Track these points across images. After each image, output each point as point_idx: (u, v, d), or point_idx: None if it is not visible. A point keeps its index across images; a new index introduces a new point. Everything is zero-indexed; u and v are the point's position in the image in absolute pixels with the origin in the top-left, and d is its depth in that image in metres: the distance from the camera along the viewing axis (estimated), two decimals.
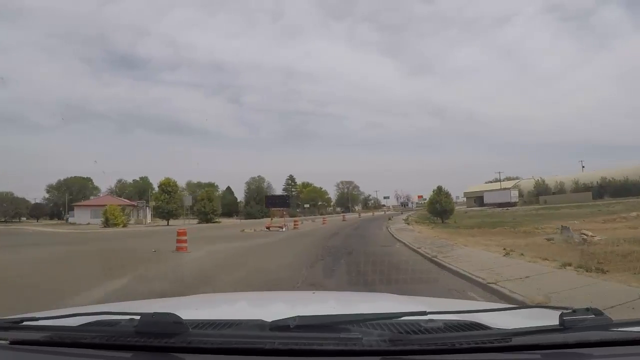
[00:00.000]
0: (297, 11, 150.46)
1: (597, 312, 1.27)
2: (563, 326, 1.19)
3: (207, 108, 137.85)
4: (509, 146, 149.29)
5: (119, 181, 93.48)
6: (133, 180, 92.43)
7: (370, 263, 10.13)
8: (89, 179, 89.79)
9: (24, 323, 1.38)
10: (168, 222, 49.69)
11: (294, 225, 32.40)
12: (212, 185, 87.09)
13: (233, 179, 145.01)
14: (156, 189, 57.37)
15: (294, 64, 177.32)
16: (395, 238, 18.43)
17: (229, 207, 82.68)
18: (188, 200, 43.18)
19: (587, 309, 1.28)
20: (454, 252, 11.56)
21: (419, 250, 12.80)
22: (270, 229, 29.16)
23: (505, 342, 1.15)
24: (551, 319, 1.25)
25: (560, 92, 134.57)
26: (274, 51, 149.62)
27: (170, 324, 1.22)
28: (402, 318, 1.34)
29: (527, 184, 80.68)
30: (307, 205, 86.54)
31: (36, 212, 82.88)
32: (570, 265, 8.32)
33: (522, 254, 10.29)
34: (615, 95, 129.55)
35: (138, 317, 1.28)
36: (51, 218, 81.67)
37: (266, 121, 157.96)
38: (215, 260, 12.05)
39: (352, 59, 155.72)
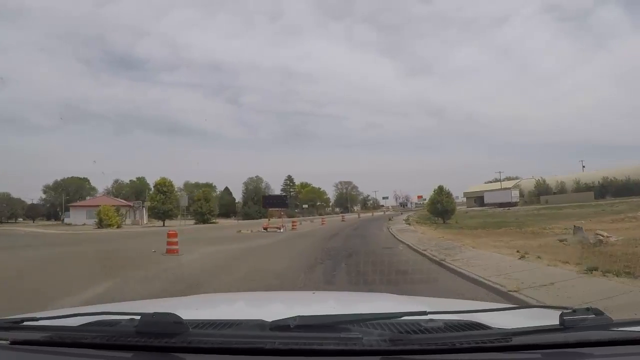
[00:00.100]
0: (296, 11, 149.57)
1: (598, 312, 1.26)
2: (563, 326, 1.18)
3: (206, 109, 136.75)
4: (508, 146, 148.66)
5: (116, 181, 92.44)
6: (130, 180, 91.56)
7: (373, 267, 9.53)
8: (85, 180, 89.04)
9: (25, 323, 1.38)
10: (164, 223, 48.74)
11: (292, 226, 31.59)
12: (209, 186, 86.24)
13: (232, 179, 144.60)
14: (153, 189, 56.41)
15: (293, 65, 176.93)
16: (398, 239, 17.63)
17: (227, 208, 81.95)
18: (184, 201, 42.10)
19: (588, 309, 1.27)
20: (463, 255, 10.76)
21: (425, 252, 11.99)
22: (268, 229, 28.31)
23: (506, 341, 1.14)
24: (551, 318, 1.24)
25: (560, 92, 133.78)
26: (273, 51, 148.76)
27: (170, 324, 1.21)
28: (403, 318, 1.32)
29: (528, 184, 79.97)
30: (305, 206, 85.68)
31: (32, 212, 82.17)
32: (596, 269, 7.53)
33: (539, 257, 9.50)
34: (615, 95, 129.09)
35: (138, 317, 1.26)
36: (48, 219, 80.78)
37: (265, 122, 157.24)
38: (206, 264, 11.22)
39: (351, 59, 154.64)
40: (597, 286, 6.42)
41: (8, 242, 21.32)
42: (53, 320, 1.43)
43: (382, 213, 76.53)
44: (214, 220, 54.02)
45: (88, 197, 75.95)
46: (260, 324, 1.26)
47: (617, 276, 6.96)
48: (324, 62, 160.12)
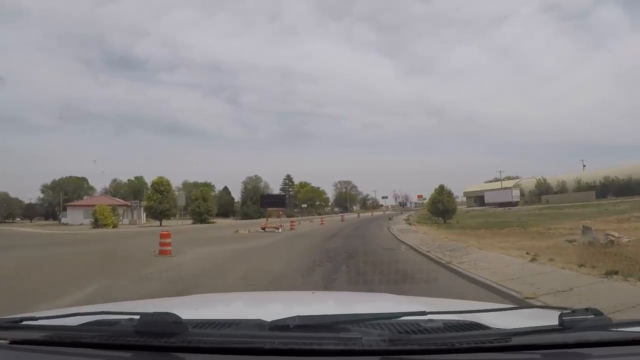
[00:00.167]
0: (295, 11, 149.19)
1: (597, 312, 1.25)
2: (562, 326, 1.17)
3: (206, 108, 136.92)
4: (508, 146, 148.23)
5: (114, 181, 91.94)
6: (128, 180, 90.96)
7: (375, 270, 9.02)
8: (84, 179, 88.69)
9: (24, 323, 1.38)
10: (161, 223, 48.14)
11: (291, 225, 31.02)
12: (208, 185, 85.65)
13: (232, 179, 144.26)
14: (150, 188, 55.68)
15: (293, 64, 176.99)
16: (399, 240, 17.09)
17: (226, 208, 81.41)
18: (181, 200, 41.52)
19: (587, 309, 1.26)
20: (470, 257, 10.21)
21: (429, 254, 11.44)
22: (266, 229, 27.74)
23: (505, 342, 1.14)
24: (551, 319, 1.23)
25: (560, 91, 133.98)
26: (272, 51, 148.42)
27: (169, 324, 1.21)
28: (402, 318, 1.32)
29: (528, 184, 79.42)
30: (304, 205, 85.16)
31: (29, 212, 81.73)
32: (616, 273, 6.98)
33: (551, 259, 8.94)
34: (615, 95, 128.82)
35: (138, 317, 1.26)
36: (46, 218, 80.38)
37: (264, 121, 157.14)
38: (199, 267, 10.66)
39: (350, 59, 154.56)
40: (621, 292, 5.87)
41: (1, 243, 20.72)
42: (52, 319, 1.42)
43: (382, 213, 75.96)
44: (212, 220, 53.40)
45: (85, 197, 75.26)
46: (259, 324, 1.25)
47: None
48: (323, 62, 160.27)
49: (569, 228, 20.20)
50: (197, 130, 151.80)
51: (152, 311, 1.29)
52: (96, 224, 40.62)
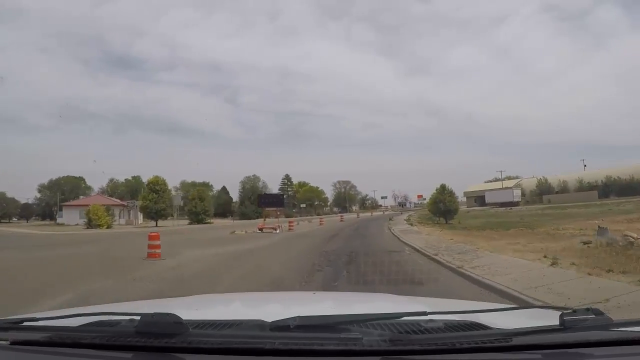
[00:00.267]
0: (294, 11, 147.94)
1: (598, 312, 1.24)
2: (563, 326, 1.17)
3: (205, 108, 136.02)
4: (508, 146, 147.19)
5: (111, 180, 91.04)
6: (125, 179, 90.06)
7: (379, 275, 8.25)
8: (81, 179, 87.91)
9: (24, 323, 1.38)
10: (157, 223, 47.21)
11: (289, 226, 30.15)
12: (206, 185, 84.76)
13: (231, 179, 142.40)
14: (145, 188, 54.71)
15: (292, 64, 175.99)
16: (402, 241, 16.27)
17: (224, 208, 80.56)
18: (177, 200, 40.45)
19: (588, 309, 1.25)
20: (482, 261, 9.40)
21: (437, 257, 10.62)
22: (263, 230, 26.92)
23: (506, 342, 1.13)
24: (551, 319, 1.23)
25: (560, 91, 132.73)
26: (272, 51, 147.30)
27: (170, 324, 1.20)
28: (403, 318, 1.32)
29: (529, 183, 78.64)
30: (303, 205, 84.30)
31: (26, 212, 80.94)
32: None
33: (573, 264, 8.14)
34: (615, 95, 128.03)
35: (138, 318, 1.26)
36: (43, 218, 79.62)
37: (263, 121, 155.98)
38: (188, 272, 9.84)
39: (349, 59, 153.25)
40: None
41: None
42: (53, 320, 1.41)
43: (381, 213, 75.15)
44: (209, 221, 52.46)
45: (82, 197, 74.34)
46: (260, 324, 1.25)
47: None
48: (323, 62, 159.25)
49: (578, 228, 19.45)
50: (196, 130, 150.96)
51: (152, 312, 1.28)
52: (90, 224, 39.67)
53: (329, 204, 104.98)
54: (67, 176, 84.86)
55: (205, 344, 1.16)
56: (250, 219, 55.71)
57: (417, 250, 12.82)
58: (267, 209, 33.30)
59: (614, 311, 5.01)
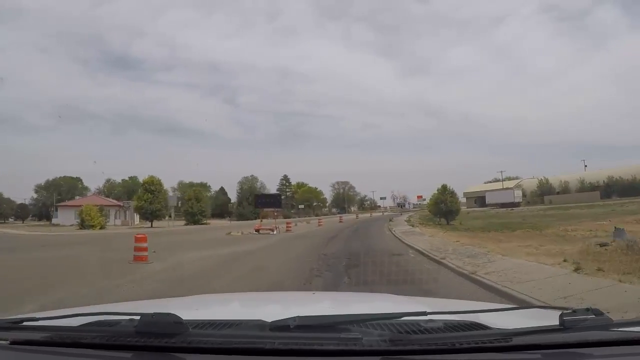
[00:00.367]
0: (293, 11, 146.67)
1: (598, 312, 1.24)
2: (563, 326, 1.16)
3: (203, 109, 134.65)
4: (507, 146, 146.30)
5: (108, 181, 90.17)
6: (122, 180, 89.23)
7: (383, 281, 7.54)
8: (78, 179, 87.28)
9: (24, 323, 1.37)
10: (152, 224, 46.30)
11: (287, 227, 29.28)
12: (203, 186, 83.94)
13: (229, 179, 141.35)
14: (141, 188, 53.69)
15: (291, 65, 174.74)
16: (405, 243, 15.47)
17: (222, 208, 79.79)
18: (173, 200, 39.59)
19: (587, 309, 1.24)
20: (496, 265, 8.60)
21: (444, 262, 9.82)
22: (260, 231, 26.04)
23: (506, 342, 1.13)
24: (551, 319, 1.22)
25: (560, 91, 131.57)
26: (270, 51, 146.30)
27: (170, 324, 1.20)
28: (402, 318, 1.31)
29: (530, 184, 77.89)
30: (301, 206, 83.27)
31: (22, 213, 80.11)
32: None
33: (599, 269, 7.34)
34: (615, 95, 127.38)
35: (138, 317, 1.25)
36: (39, 219, 78.72)
37: (262, 122, 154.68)
38: (173, 277, 9.04)
39: (348, 60, 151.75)
40: None
41: None
42: (53, 320, 1.41)
43: (381, 214, 74.35)
44: (206, 221, 51.60)
45: (77, 197, 73.46)
46: (260, 324, 1.25)
47: None
48: (321, 62, 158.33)
49: (587, 230, 18.72)
50: (195, 130, 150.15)
51: (152, 311, 1.27)
52: (82, 225, 38.74)
53: (327, 204, 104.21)
54: (64, 176, 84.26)
55: (205, 343, 1.16)
56: (248, 220, 54.88)
57: (422, 253, 12.01)
58: (265, 209, 32.48)
59: None
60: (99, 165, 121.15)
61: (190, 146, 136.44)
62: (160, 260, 11.46)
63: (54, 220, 59.31)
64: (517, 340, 1.12)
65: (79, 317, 1.38)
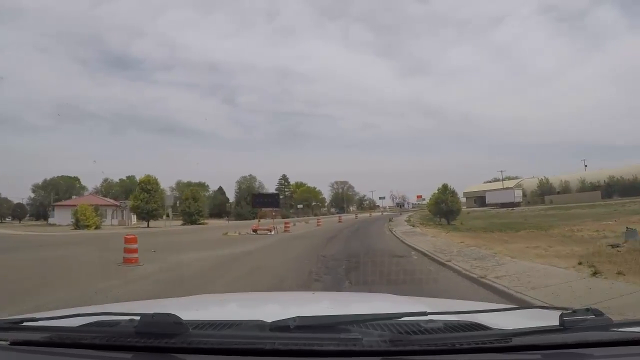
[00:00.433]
0: (292, 11, 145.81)
1: (597, 313, 1.23)
2: (563, 326, 1.16)
3: (203, 108, 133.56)
4: (507, 146, 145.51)
5: (105, 180, 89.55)
6: (120, 179, 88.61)
7: (386, 283, 7.20)
8: (76, 179, 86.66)
9: (24, 324, 1.36)
10: (148, 224, 45.71)
11: (285, 227, 28.76)
12: (202, 185, 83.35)
13: (228, 179, 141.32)
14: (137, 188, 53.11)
15: (290, 65, 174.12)
16: (407, 244, 14.97)
17: (220, 208, 79.25)
18: (169, 200, 38.93)
19: (587, 310, 1.24)
20: (506, 268, 8.10)
21: (450, 264, 9.32)
22: (258, 232, 25.52)
23: (506, 342, 1.13)
24: (551, 319, 1.22)
25: (559, 92, 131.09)
26: (269, 51, 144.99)
27: (170, 325, 1.20)
28: (402, 318, 1.31)
29: (530, 184, 77.45)
30: (300, 206, 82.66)
31: (19, 212, 79.48)
32: None
33: (619, 273, 6.84)
34: (615, 95, 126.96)
35: (138, 318, 1.25)
36: (37, 219, 78.04)
37: (261, 122, 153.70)
38: (164, 280, 8.55)
39: (347, 60, 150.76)
40: None
41: None
42: (53, 320, 1.40)
43: (380, 213, 73.83)
44: (203, 221, 51.01)
45: (74, 197, 72.84)
46: (260, 325, 1.24)
47: None
48: (321, 62, 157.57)
49: (594, 230, 18.24)
50: (194, 130, 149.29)
51: (152, 312, 1.27)
52: (77, 224, 38.14)
53: (326, 204, 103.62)
54: (62, 176, 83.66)
55: (205, 344, 1.16)
56: (246, 220, 54.28)
57: (426, 255, 11.52)
58: (263, 209, 31.93)
59: None
60: (98, 165, 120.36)
61: (189, 146, 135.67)
62: (152, 262, 10.96)
63: (50, 220, 58.74)
64: (517, 341, 1.12)
65: (79, 318, 1.38)
